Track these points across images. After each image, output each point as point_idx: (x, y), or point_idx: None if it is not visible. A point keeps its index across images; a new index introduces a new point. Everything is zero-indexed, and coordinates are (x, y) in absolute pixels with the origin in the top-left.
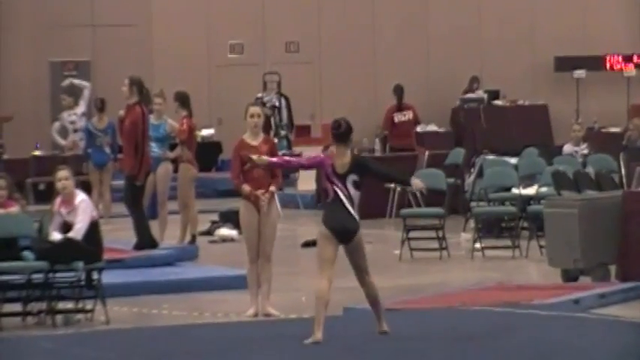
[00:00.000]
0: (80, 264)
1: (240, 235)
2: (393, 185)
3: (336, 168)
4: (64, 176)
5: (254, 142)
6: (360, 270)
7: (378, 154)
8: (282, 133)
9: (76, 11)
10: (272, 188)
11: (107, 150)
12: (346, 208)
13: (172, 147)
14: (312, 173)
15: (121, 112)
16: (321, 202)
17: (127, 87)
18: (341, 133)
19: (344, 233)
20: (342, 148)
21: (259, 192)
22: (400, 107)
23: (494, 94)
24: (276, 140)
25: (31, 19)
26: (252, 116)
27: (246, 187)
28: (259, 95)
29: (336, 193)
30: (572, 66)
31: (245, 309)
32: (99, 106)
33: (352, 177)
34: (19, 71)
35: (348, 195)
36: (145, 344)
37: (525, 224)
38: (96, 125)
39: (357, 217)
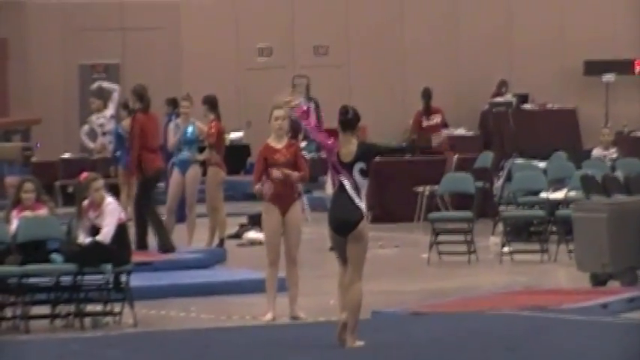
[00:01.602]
0: (108, 266)
1: None
2: (421, 189)
3: (342, 157)
4: (100, 186)
5: (278, 146)
6: (353, 267)
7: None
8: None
9: (106, 14)
10: (295, 173)
11: None
12: (350, 199)
13: (201, 150)
14: None
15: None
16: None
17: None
18: (348, 119)
19: (343, 225)
20: (348, 135)
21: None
22: (428, 111)
23: (523, 98)
24: (305, 143)
25: (61, 23)
26: (276, 119)
27: (272, 175)
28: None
29: (341, 182)
30: (602, 70)
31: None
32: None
33: (359, 165)
34: (48, 74)
35: (354, 184)
36: (172, 347)
37: (554, 228)
38: (126, 128)
39: (362, 207)
